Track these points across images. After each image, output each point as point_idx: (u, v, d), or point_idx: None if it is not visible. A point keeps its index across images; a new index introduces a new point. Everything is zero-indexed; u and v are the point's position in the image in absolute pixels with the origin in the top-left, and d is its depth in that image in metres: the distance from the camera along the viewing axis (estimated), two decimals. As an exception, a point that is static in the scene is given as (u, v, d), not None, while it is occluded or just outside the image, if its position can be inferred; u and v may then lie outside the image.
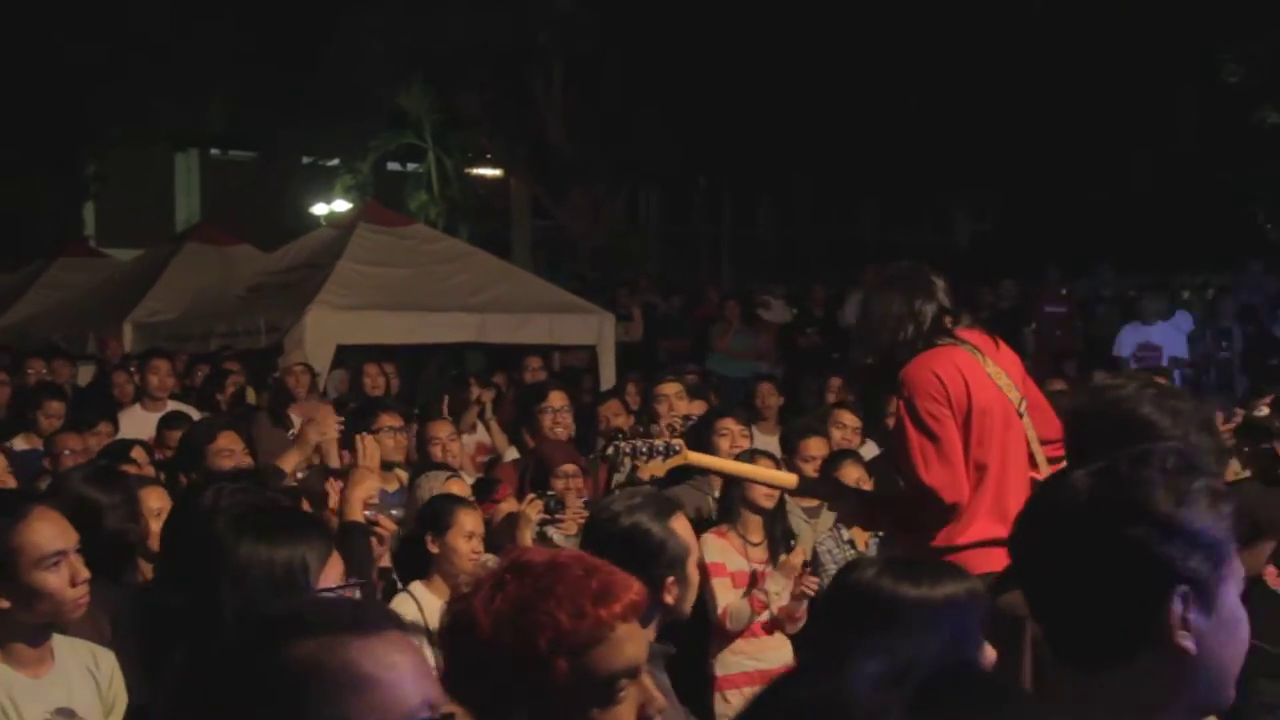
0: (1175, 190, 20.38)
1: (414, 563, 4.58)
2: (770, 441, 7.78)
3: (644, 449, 4.50)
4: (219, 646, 1.51)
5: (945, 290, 4.11)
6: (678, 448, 4.54)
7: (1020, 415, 4.02)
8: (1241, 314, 13.18)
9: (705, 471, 5.42)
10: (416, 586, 4.54)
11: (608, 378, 11.84)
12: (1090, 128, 20.20)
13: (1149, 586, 1.65)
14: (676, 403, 6.38)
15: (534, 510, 5.01)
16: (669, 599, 2.88)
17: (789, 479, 4.68)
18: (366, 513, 4.09)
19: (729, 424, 6.03)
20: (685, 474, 6.20)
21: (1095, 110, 20.10)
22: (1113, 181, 20.32)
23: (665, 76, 18.21)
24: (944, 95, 19.99)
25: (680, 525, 2.96)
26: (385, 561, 4.58)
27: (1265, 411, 5.95)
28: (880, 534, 5.57)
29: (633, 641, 1.96)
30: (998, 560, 3.61)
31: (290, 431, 8.25)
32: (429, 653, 4.29)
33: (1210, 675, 1.68)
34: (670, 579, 2.87)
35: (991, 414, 3.94)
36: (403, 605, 4.46)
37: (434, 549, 4.49)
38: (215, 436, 5.23)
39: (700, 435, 5.99)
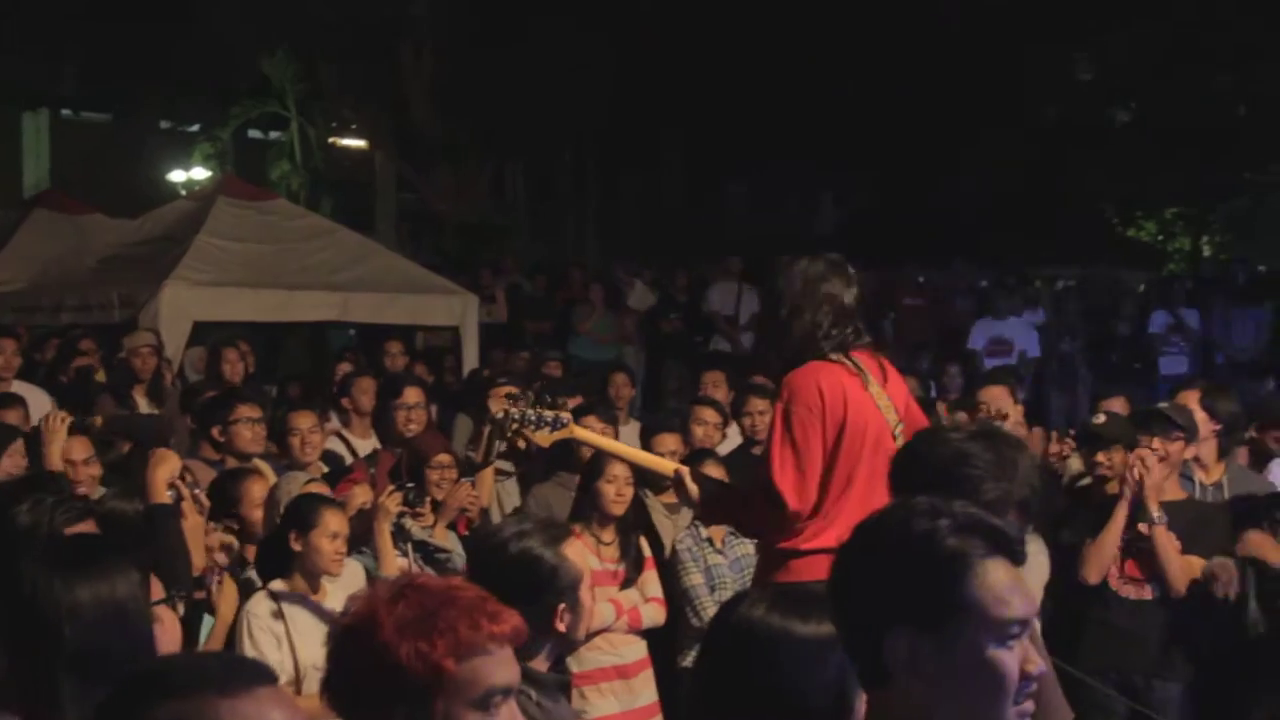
0: (1031, 186, 21.00)
1: (275, 560, 4.55)
2: (627, 433, 7.87)
3: (533, 418, 4.55)
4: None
5: (856, 296, 4.15)
6: (565, 420, 4.60)
7: (895, 439, 4.12)
8: (1087, 310, 13.65)
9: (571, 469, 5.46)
10: (276, 585, 4.52)
11: (471, 358, 11.81)
12: (950, 121, 20.69)
13: (874, 620, 1.78)
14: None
15: (393, 502, 5.02)
16: (561, 626, 2.89)
17: (666, 465, 4.69)
18: (170, 491, 4.03)
19: (592, 420, 6.10)
20: (555, 467, 6.28)
21: (955, 104, 20.59)
22: (971, 175, 20.86)
23: (535, 51, 18.12)
24: (811, 80, 20.26)
25: (572, 551, 2.97)
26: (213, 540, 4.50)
27: (1102, 420, 6.14)
28: (733, 533, 5.70)
29: (511, 665, 2.08)
30: None
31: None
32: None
33: (955, 714, 1.76)
34: (562, 606, 2.88)
35: (865, 433, 4.05)
36: (261, 604, 4.43)
37: (297, 547, 4.49)
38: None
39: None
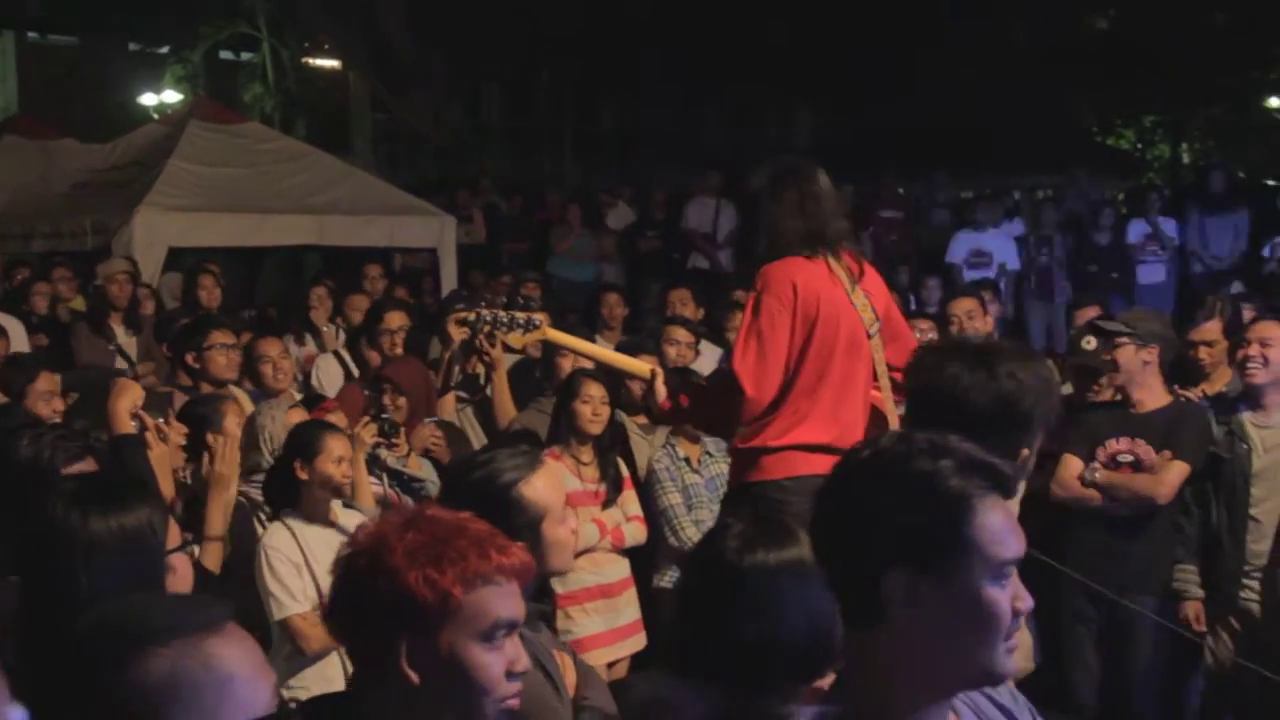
0: (1009, 96, 20.84)
1: (283, 491, 4.56)
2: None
3: (505, 319, 4.53)
4: (64, 668, 1.48)
5: (836, 197, 4.17)
6: (538, 322, 4.59)
7: (870, 337, 4.12)
8: (1065, 221, 13.62)
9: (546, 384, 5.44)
10: (289, 515, 4.52)
11: (449, 280, 11.79)
12: (927, 33, 20.50)
13: (873, 560, 1.76)
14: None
15: (368, 433, 5.01)
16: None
17: (642, 367, 4.62)
18: (134, 421, 4.02)
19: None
20: (528, 392, 6.29)
21: (933, 15, 20.38)
22: (948, 87, 20.68)
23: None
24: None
25: (540, 483, 2.81)
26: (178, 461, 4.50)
27: (1092, 345, 6.04)
28: (709, 451, 5.72)
29: (517, 599, 2.07)
30: (821, 464, 3.81)
31: (110, 345, 8.05)
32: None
33: (953, 655, 1.78)
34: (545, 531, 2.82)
35: (839, 331, 4.04)
36: (277, 535, 4.44)
37: (304, 475, 4.49)
38: (35, 377, 5.07)
39: (550, 356, 6.07)
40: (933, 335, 6.33)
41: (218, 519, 4.27)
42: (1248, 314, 6.33)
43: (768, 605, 2.25)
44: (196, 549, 3.61)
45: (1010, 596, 1.80)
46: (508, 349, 5.65)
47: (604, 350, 5.14)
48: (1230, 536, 5.36)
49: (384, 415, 5.16)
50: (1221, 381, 6.00)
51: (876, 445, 1.88)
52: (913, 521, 1.75)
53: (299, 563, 4.34)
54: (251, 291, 12.70)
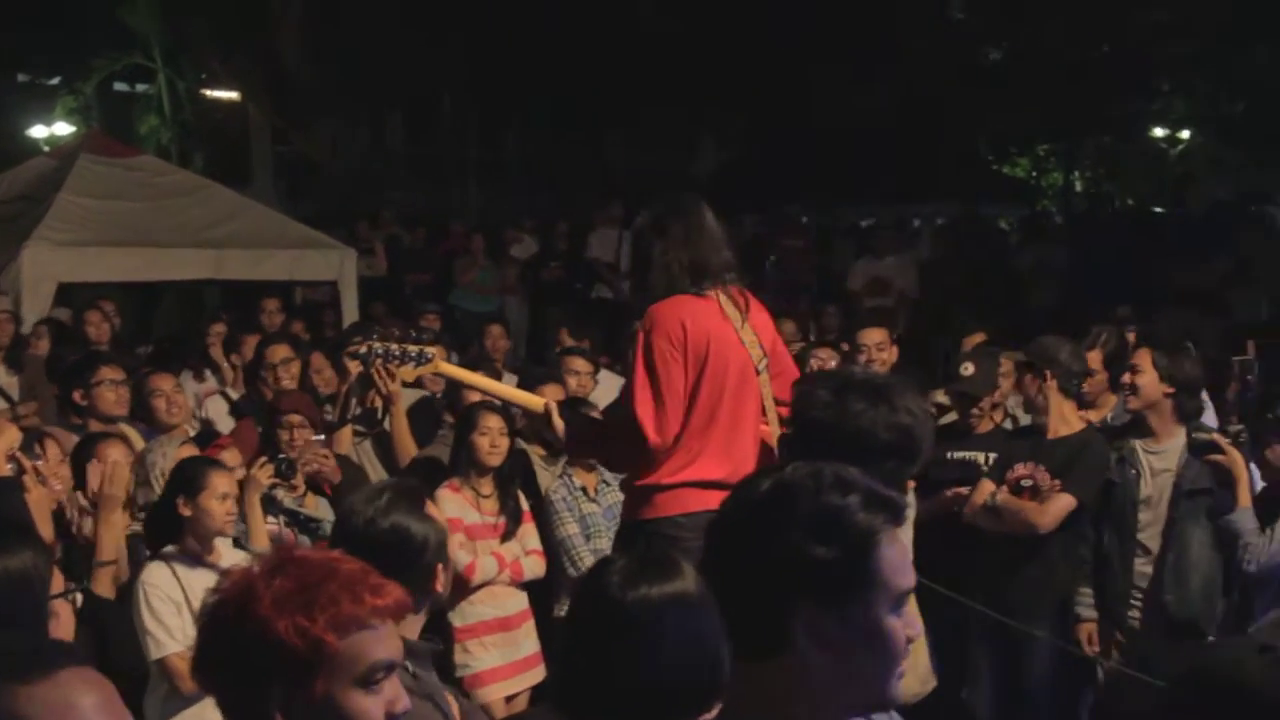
0: (910, 125, 21.21)
1: (165, 528, 4.48)
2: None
3: (396, 352, 4.49)
4: None
5: (722, 231, 4.16)
6: (430, 355, 4.55)
7: (758, 373, 4.14)
8: (961, 249, 13.87)
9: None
10: (169, 551, 4.44)
11: (350, 313, 11.66)
12: (828, 61, 20.80)
13: (781, 594, 1.76)
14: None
15: (264, 474, 4.94)
16: (439, 586, 2.89)
17: (536, 401, 4.60)
18: (9, 465, 3.92)
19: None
20: (428, 428, 6.24)
21: (832, 45, 20.69)
22: (849, 116, 20.99)
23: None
24: (686, 20, 20.21)
25: (434, 511, 2.97)
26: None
27: (970, 370, 6.13)
28: (606, 480, 5.72)
29: (395, 639, 2.02)
30: (715, 501, 3.85)
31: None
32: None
33: (850, 683, 1.80)
34: (439, 565, 2.88)
35: (729, 368, 4.05)
36: (157, 572, 4.35)
37: (186, 511, 4.41)
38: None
39: (455, 389, 6.03)
40: (834, 364, 6.33)
41: (108, 542, 4.18)
42: (1131, 338, 6.49)
43: (651, 641, 2.24)
44: (79, 596, 3.52)
45: (903, 626, 1.83)
46: (407, 384, 5.61)
47: (496, 384, 5.10)
48: (1120, 560, 5.47)
49: (280, 455, 5.08)
50: (1107, 409, 6.12)
51: (778, 478, 1.87)
52: (824, 556, 1.76)
53: (179, 601, 4.26)
54: (149, 327, 12.47)
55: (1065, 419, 5.54)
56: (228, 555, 4.45)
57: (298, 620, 1.90)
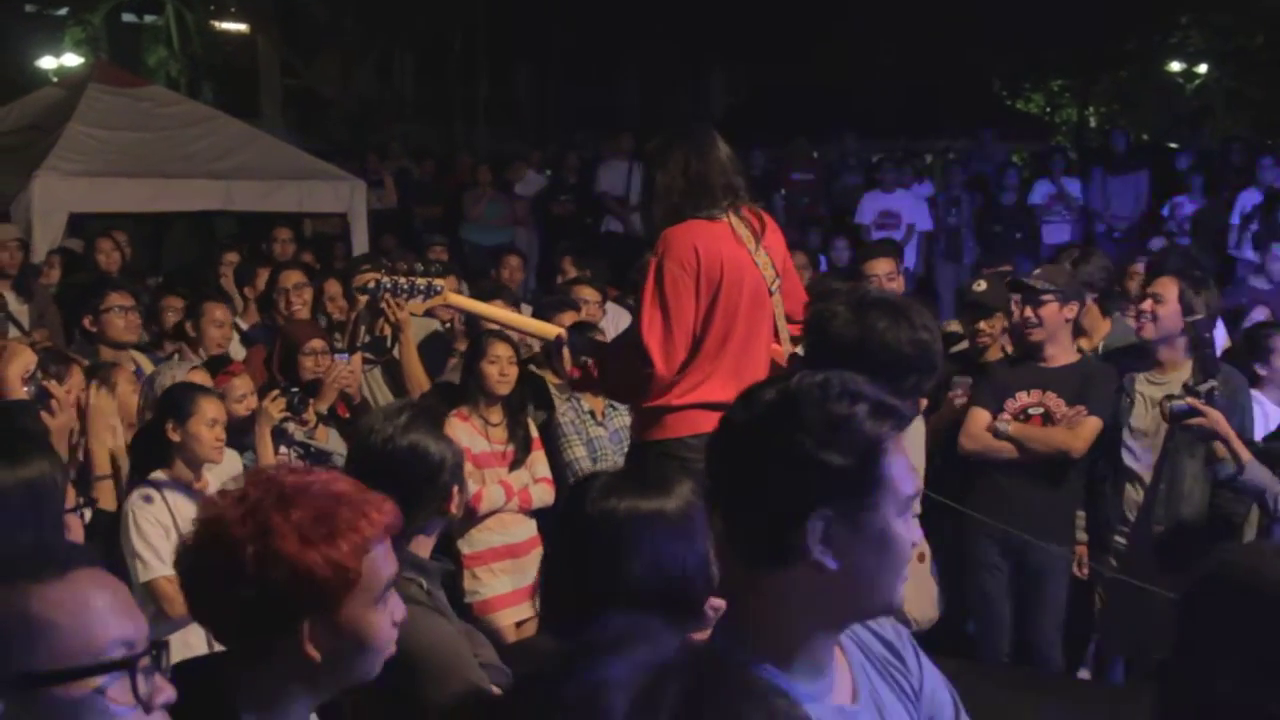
0: (920, 59, 21.01)
1: (153, 451, 4.52)
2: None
3: (405, 286, 4.49)
4: None
5: (728, 156, 4.10)
6: (439, 288, 4.55)
7: (771, 294, 4.13)
8: (971, 182, 13.80)
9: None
10: (157, 475, 4.49)
11: (360, 245, 11.66)
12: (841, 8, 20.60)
13: (794, 503, 1.78)
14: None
15: (275, 408, 4.97)
16: (453, 508, 2.91)
17: (548, 329, 4.60)
18: (27, 388, 3.95)
19: (497, 305, 6.08)
20: (441, 361, 6.26)
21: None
22: (857, 48, 20.80)
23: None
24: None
25: (450, 429, 3.02)
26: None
27: (983, 287, 6.26)
28: (613, 404, 5.75)
29: (393, 554, 2.05)
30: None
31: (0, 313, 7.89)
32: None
33: (858, 588, 1.83)
34: (455, 486, 2.91)
35: (743, 291, 4.02)
36: (145, 496, 4.39)
37: (175, 437, 4.45)
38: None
39: (473, 324, 6.04)
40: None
41: (100, 457, 4.21)
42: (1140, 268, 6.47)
43: (614, 553, 2.24)
44: (88, 512, 3.56)
45: (908, 531, 1.86)
46: (418, 315, 5.62)
47: (508, 313, 5.10)
48: (1111, 485, 5.48)
49: (293, 389, 5.11)
50: (1099, 336, 6.05)
51: (784, 388, 1.87)
52: (837, 463, 1.77)
53: (167, 525, 4.29)
54: (159, 257, 12.49)
55: (1065, 348, 5.53)
56: (215, 484, 4.49)
57: (324, 550, 1.90)
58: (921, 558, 5.50)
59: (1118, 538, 5.43)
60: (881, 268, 6.61)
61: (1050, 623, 5.52)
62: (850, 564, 1.80)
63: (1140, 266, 6.73)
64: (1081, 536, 5.53)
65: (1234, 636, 2.01)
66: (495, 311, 4.99)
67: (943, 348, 3.01)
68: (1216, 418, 4.85)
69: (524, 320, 4.99)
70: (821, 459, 1.77)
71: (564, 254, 9.29)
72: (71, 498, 2.68)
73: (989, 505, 5.44)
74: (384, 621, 2.00)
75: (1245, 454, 4.81)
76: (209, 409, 4.49)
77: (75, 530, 2.72)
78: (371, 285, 4.55)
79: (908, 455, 1.87)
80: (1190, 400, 4.89)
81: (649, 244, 4.19)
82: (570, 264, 8.33)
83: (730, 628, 1.93)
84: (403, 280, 4.48)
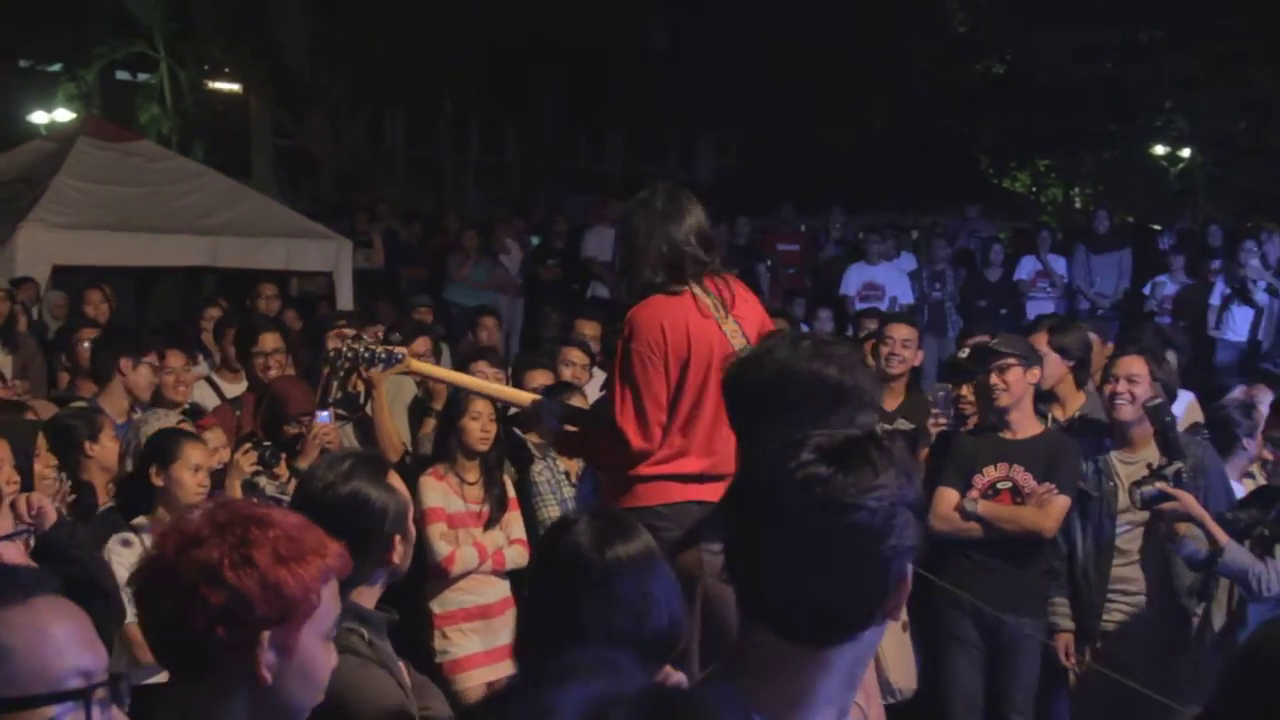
0: (907, 135, 21.26)
1: (137, 497, 4.48)
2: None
3: (366, 354, 4.48)
4: None
5: (697, 224, 4.06)
6: (400, 355, 4.55)
7: None
8: (956, 257, 13.91)
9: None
10: (139, 521, 4.44)
11: (345, 304, 11.66)
12: (831, 73, 20.87)
13: (897, 570, 1.74)
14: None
15: (247, 461, 4.93)
16: (396, 559, 2.86)
17: (521, 395, 4.59)
18: None
19: (483, 367, 6.09)
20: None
21: (836, 56, 20.76)
22: (848, 124, 21.04)
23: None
24: (690, 31, 20.26)
25: (395, 480, 2.95)
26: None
27: (966, 353, 6.28)
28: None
29: (338, 597, 2.07)
30: (696, 492, 3.88)
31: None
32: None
33: (870, 646, 1.82)
34: (397, 537, 2.86)
35: (710, 363, 3.98)
36: (125, 541, 4.35)
37: (159, 481, 4.43)
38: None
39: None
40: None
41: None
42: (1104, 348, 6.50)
43: (632, 599, 2.30)
44: (32, 539, 3.53)
45: None
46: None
47: (477, 381, 5.10)
48: (1096, 571, 5.44)
49: (266, 444, 5.08)
50: (1074, 406, 5.98)
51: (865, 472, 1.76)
52: (919, 532, 1.77)
53: None
54: (143, 312, 12.49)
55: (1031, 418, 5.52)
56: None
57: (294, 569, 1.93)
58: (905, 627, 5.50)
59: (1105, 618, 5.39)
60: (901, 333, 6.65)
61: (1022, 698, 5.48)
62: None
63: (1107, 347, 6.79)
64: (1065, 624, 5.48)
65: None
66: (462, 378, 5.01)
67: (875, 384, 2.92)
68: (1188, 501, 4.80)
69: (493, 387, 5.01)
70: (908, 509, 1.74)
71: (551, 317, 9.18)
72: (9, 524, 2.67)
73: (960, 580, 5.41)
74: (329, 659, 2.02)
75: (1222, 536, 4.76)
76: (193, 454, 4.48)
77: (11, 556, 2.70)
78: (333, 354, 4.55)
79: None
80: (1160, 485, 4.84)
81: (620, 309, 4.19)
82: (587, 329, 8.13)
83: (724, 687, 1.87)
84: (363, 349, 4.48)
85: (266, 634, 1.92)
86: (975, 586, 5.38)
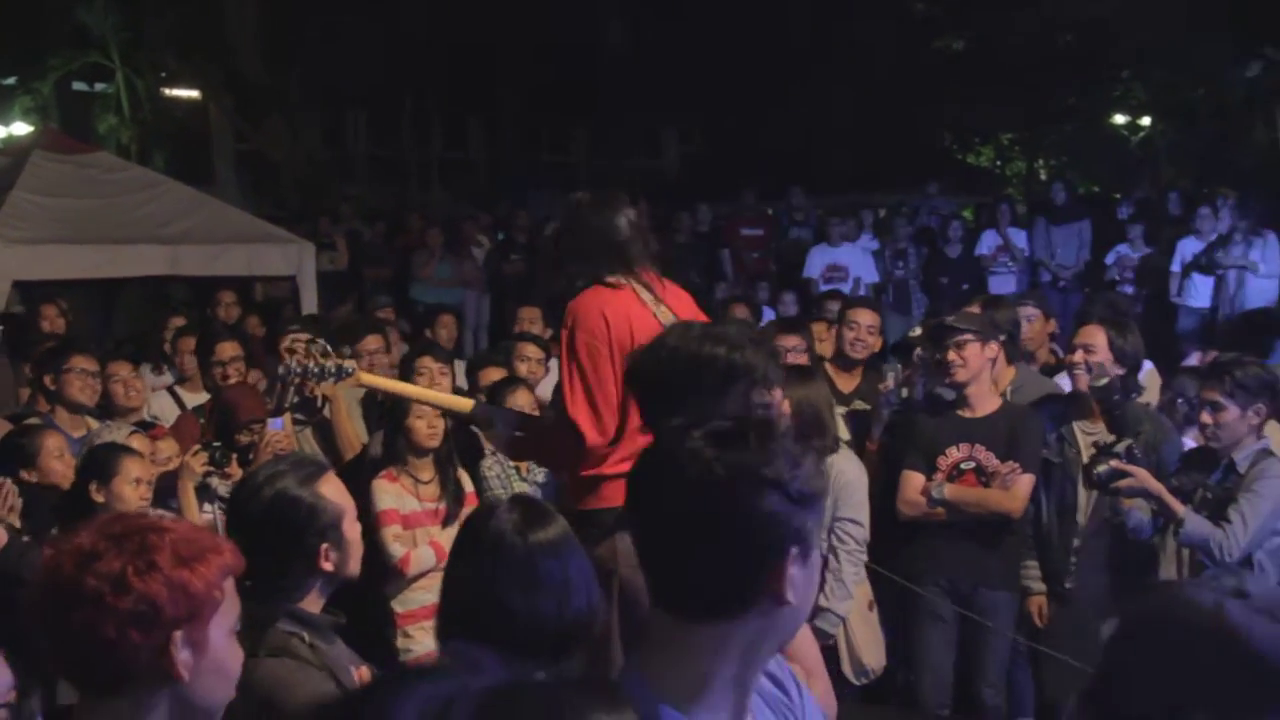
0: (869, 115, 21.29)
1: (76, 512, 4.48)
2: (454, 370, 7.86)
3: (315, 369, 4.50)
4: None
5: (634, 222, 4.13)
6: (350, 369, 4.56)
7: None
8: (918, 235, 13.97)
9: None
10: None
11: (309, 307, 11.62)
12: (789, 54, 20.88)
13: (773, 549, 1.78)
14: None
15: (197, 462, 4.94)
16: (327, 566, 2.83)
17: (463, 403, 4.64)
18: None
19: (427, 362, 6.09)
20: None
21: (794, 36, 20.79)
22: (810, 106, 21.06)
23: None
24: (650, 21, 20.26)
25: (329, 487, 2.89)
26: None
27: (918, 332, 6.33)
28: None
29: (235, 594, 2.12)
30: None
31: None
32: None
33: (796, 621, 1.86)
34: (325, 545, 2.81)
35: None
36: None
37: (99, 497, 4.43)
38: None
39: (402, 375, 6.05)
40: (804, 352, 6.32)
41: None
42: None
43: (554, 582, 2.37)
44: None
45: None
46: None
47: (421, 390, 5.15)
48: (1059, 537, 5.51)
49: (215, 444, 5.09)
50: (1005, 382, 6.00)
51: (720, 428, 1.84)
52: (804, 517, 1.80)
53: None
54: (109, 323, 12.43)
55: (989, 393, 5.56)
56: None
57: (196, 568, 1.98)
58: (871, 606, 5.55)
59: (1068, 583, 5.46)
60: (865, 318, 6.65)
61: (995, 670, 5.53)
62: (803, 598, 1.82)
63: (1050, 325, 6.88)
64: (1038, 586, 5.55)
65: (1153, 672, 2.00)
66: (406, 388, 5.04)
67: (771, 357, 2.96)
68: (1143, 475, 4.86)
69: (435, 395, 5.03)
70: (802, 494, 1.79)
71: (518, 308, 9.17)
72: None
73: (931, 558, 5.48)
74: (238, 653, 2.08)
75: (1179, 508, 4.83)
76: (133, 468, 4.47)
77: None
78: (282, 371, 4.56)
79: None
80: (1114, 464, 4.89)
81: (547, 298, 4.21)
82: (530, 317, 8.17)
83: (635, 674, 1.92)
84: (312, 365, 4.49)
85: (179, 633, 1.97)
86: (946, 564, 5.45)
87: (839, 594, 5.32)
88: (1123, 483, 4.91)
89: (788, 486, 1.77)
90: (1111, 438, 5.24)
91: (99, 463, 4.49)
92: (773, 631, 1.84)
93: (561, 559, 2.41)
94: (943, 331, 5.56)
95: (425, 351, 6.51)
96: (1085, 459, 5.39)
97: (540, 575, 2.39)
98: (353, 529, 2.85)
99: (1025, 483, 5.37)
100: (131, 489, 4.44)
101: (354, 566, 2.86)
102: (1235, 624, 1.58)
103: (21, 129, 17.52)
